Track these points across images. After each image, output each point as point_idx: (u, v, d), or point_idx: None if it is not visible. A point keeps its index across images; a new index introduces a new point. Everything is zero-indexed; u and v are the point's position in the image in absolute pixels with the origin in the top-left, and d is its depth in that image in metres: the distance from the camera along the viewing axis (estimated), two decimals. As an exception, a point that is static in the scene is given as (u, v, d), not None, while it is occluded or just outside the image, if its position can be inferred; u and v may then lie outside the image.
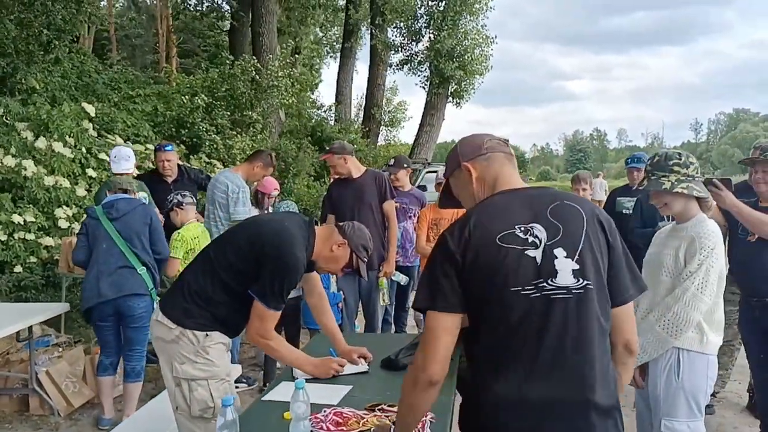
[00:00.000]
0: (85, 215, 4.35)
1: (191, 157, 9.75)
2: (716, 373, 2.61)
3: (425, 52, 15.70)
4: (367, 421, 2.16)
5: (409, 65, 16.10)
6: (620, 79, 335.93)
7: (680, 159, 2.58)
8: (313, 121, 15.74)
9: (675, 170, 2.56)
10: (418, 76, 15.96)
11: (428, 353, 1.65)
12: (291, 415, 2.09)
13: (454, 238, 1.66)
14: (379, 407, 2.29)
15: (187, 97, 10.43)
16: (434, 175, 12.69)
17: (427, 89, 16.00)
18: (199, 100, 10.25)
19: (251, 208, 5.07)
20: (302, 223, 2.75)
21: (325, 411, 2.21)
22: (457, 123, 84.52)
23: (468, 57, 15.08)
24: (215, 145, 9.89)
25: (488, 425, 1.65)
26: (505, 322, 1.61)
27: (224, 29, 17.96)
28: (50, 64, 7.50)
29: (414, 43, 16.12)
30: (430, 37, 15.66)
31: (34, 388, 4.41)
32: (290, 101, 11.54)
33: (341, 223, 2.87)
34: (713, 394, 4.34)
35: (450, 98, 15.87)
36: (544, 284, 1.60)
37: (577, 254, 1.62)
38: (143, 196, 4.98)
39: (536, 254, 1.61)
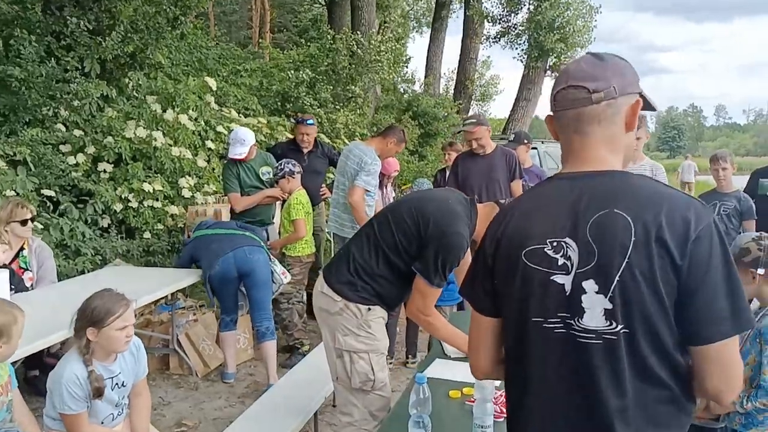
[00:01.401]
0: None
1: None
2: None
3: (525, 24, 15.26)
4: None
5: (506, 37, 15.72)
6: (721, 52, 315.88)
7: None
8: (407, 95, 15.70)
9: None
10: (516, 49, 15.57)
11: (471, 350, 1.57)
12: (476, 394, 2.08)
13: (489, 236, 1.48)
14: None
15: (290, 71, 10.61)
16: (534, 151, 12.45)
17: (524, 62, 15.59)
18: (303, 75, 10.41)
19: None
20: (464, 200, 2.75)
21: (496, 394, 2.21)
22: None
23: (570, 29, 14.54)
24: (319, 119, 10.04)
25: None
26: (524, 354, 1.40)
27: (323, 3, 18.10)
28: (176, 39, 7.81)
29: (513, 15, 15.70)
30: (530, 8, 15.21)
31: (174, 348, 4.68)
32: (390, 76, 11.54)
33: (501, 200, 2.85)
34: None
35: (549, 71, 15.42)
36: (572, 322, 1.31)
37: (611, 290, 1.26)
38: (267, 170, 5.15)
39: (566, 282, 1.32)
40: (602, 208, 1.29)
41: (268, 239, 5.17)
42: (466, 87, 18.21)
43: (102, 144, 6.28)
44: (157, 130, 6.58)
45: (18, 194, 5.35)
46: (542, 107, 17.75)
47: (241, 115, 8.66)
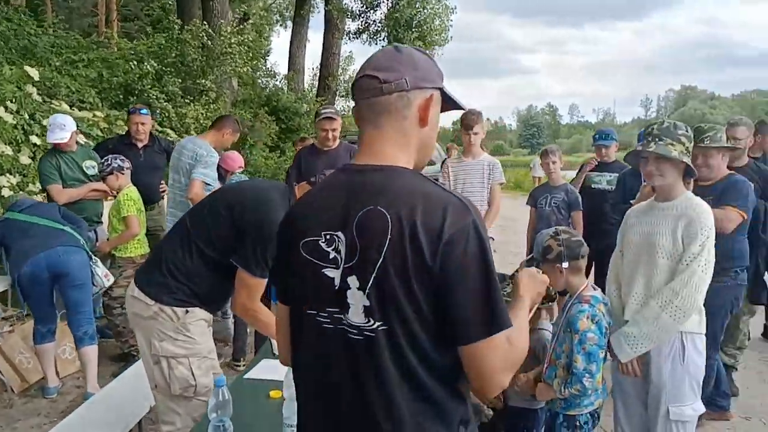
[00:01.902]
0: None
1: (141, 125, 9.33)
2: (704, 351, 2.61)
3: (383, 21, 15.41)
4: None
5: (366, 33, 15.81)
6: (574, 54, 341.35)
7: (687, 132, 2.53)
8: (267, 90, 15.32)
9: (682, 141, 2.49)
10: (376, 45, 15.67)
11: (277, 337, 1.55)
12: (285, 394, 1.97)
13: (281, 222, 1.46)
14: None
15: (134, 63, 9.93)
16: None
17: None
18: (148, 66, 9.78)
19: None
20: (283, 189, 2.63)
21: None
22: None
23: (427, 27, 14.90)
24: (167, 114, 9.49)
25: None
26: (300, 343, 1.40)
27: (172, -8, 17.22)
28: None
29: (371, 11, 15.82)
30: (388, 5, 15.40)
31: (-17, 364, 4.15)
32: (244, 69, 11.15)
33: (312, 179, 2.73)
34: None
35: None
36: (341, 317, 1.28)
37: (369, 287, 1.24)
38: (91, 164, 4.74)
39: (335, 276, 1.29)
40: (368, 204, 1.27)
41: (96, 240, 4.76)
42: (329, 83, 18.13)
43: None
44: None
45: None
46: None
47: (74, 108, 7.96)
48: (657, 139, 2.49)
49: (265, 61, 19.86)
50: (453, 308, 1.21)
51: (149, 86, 9.75)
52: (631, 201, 4.62)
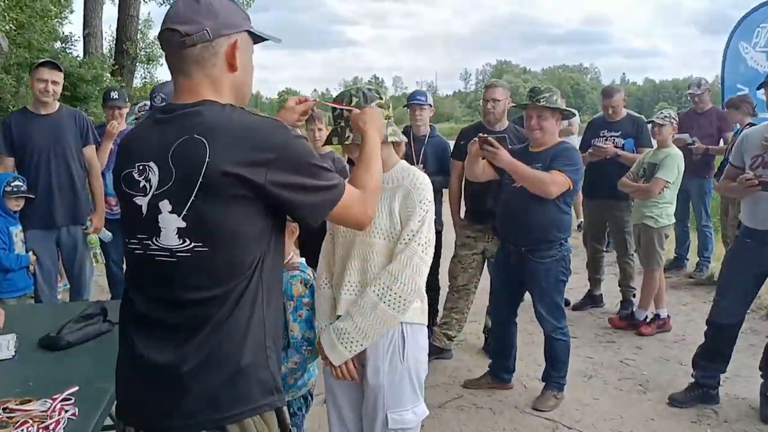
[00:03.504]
0: None
1: None
2: (427, 345, 2.30)
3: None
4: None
5: (161, -6, 14.57)
6: (397, 27, 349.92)
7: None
8: (48, 54, 13.56)
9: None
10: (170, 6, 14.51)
11: None
12: None
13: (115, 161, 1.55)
14: (7, 407, 1.75)
15: None
16: None
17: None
18: None
19: None
20: None
21: None
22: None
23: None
24: None
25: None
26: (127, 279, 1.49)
27: None
28: None
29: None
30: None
31: None
32: (6, 27, 9.67)
33: None
34: (450, 338, 4.42)
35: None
36: (149, 242, 1.36)
37: (186, 208, 1.31)
38: None
39: (143, 203, 1.37)
40: (185, 135, 1.32)
41: None
42: (127, 47, 16.55)
43: None
44: None
45: None
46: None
47: None
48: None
49: (61, 24, 17.66)
50: (294, 211, 1.40)
51: None
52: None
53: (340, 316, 2.13)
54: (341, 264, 2.18)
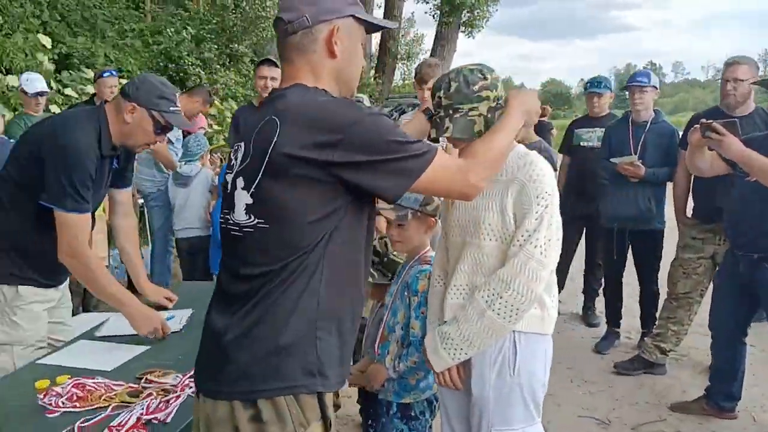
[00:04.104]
0: None
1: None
2: (550, 358, 1.98)
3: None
4: (114, 395, 1.85)
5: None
6: (679, 9, 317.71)
7: (486, 78, 1.85)
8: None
9: (485, 96, 1.84)
10: (427, 3, 15.11)
11: None
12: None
13: None
14: (146, 377, 1.95)
15: (172, 30, 10.07)
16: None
17: (437, 18, 15.18)
18: (185, 33, 9.88)
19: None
20: (89, 109, 2.39)
21: (67, 383, 1.89)
22: (502, 57, 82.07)
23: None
24: (199, 80, 9.58)
25: None
26: None
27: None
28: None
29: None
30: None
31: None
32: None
33: (124, 85, 2.46)
34: (664, 352, 3.91)
35: (462, 28, 15.02)
36: (228, 217, 1.41)
37: (254, 186, 1.34)
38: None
39: (229, 180, 1.42)
40: (268, 116, 1.35)
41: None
42: (389, 46, 17.75)
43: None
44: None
45: None
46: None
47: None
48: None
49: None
50: (369, 189, 1.35)
51: (185, 53, 9.86)
52: (612, 159, 4.21)
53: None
54: (452, 265, 1.99)
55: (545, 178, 1.80)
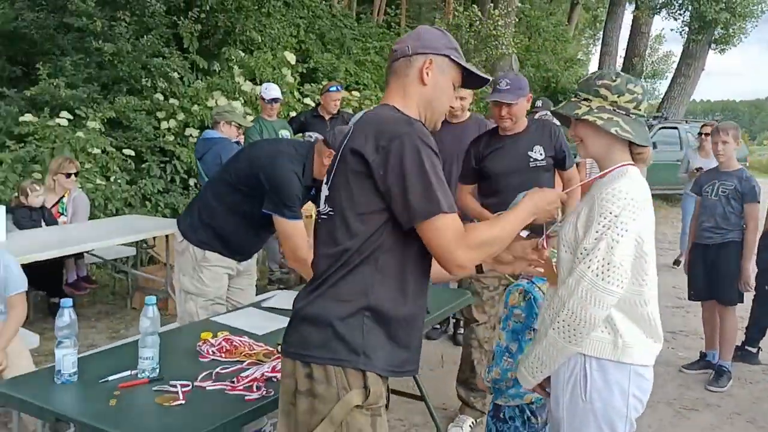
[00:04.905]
0: None
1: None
2: (648, 389, 1.84)
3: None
4: (253, 354, 2.25)
5: (667, 9, 14.18)
6: None
7: (614, 80, 1.80)
8: (550, 73, 14.90)
9: (602, 94, 1.80)
10: (676, 20, 13.97)
11: None
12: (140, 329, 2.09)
13: None
14: (269, 353, 2.28)
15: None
16: (674, 131, 10.99)
17: (685, 36, 13.98)
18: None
19: None
20: (297, 143, 2.91)
21: (219, 338, 2.33)
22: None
23: (737, -2, 12.68)
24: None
25: None
26: None
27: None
28: (264, 17, 8.50)
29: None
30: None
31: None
32: (510, 51, 11.17)
33: (328, 132, 2.91)
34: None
35: (713, 46, 13.64)
36: (320, 207, 1.67)
37: (330, 180, 1.62)
38: (286, 134, 5.50)
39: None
40: (353, 124, 1.64)
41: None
42: (634, 63, 16.80)
43: (190, 111, 7.17)
44: (236, 100, 7.31)
45: (104, 151, 6.40)
46: (704, 85, 15.74)
47: (350, 90, 9.09)
48: (572, 96, 1.91)
49: (567, 46, 18.96)
50: (396, 198, 1.49)
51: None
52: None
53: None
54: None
55: (614, 198, 1.71)
